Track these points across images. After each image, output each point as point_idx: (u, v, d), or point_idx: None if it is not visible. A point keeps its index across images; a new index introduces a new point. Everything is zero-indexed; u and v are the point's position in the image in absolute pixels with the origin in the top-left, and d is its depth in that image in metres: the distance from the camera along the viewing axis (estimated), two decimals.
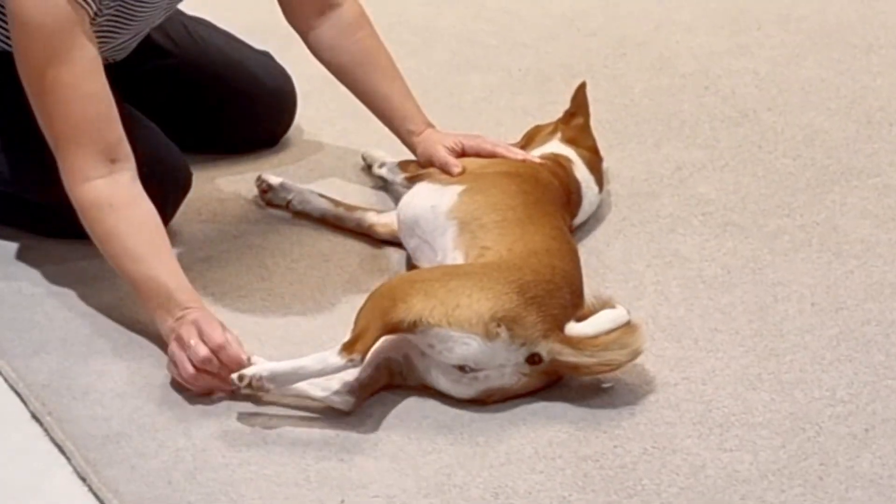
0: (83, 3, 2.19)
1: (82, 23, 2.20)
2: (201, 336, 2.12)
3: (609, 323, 2.11)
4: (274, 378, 2.08)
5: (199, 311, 2.17)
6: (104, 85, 2.23)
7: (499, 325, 2.08)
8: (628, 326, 2.11)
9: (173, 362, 2.15)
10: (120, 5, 2.32)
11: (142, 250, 2.21)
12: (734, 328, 2.32)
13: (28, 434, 2.12)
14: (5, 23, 2.29)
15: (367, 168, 2.76)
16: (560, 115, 2.67)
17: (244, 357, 2.12)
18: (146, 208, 2.24)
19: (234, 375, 2.08)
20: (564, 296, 2.15)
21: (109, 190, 2.22)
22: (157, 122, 2.53)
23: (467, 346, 2.08)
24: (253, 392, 2.12)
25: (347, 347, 2.06)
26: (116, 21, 2.36)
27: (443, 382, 2.13)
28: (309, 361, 2.08)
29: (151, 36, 2.63)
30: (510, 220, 2.26)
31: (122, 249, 2.21)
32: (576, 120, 2.64)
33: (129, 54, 2.54)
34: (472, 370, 2.11)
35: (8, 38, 2.27)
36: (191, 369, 2.12)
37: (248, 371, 2.08)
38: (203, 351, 2.11)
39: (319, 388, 2.11)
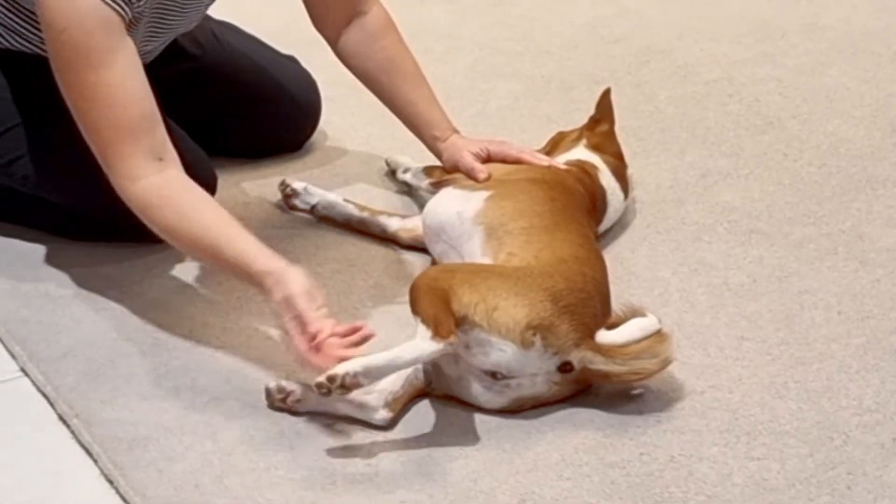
0: (118, 8, 2.18)
1: (119, 24, 2.18)
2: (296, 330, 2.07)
3: (640, 331, 2.10)
4: (368, 373, 2.00)
5: (280, 287, 2.09)
6: (146, 85, 2.21)
7: (534, 334, 2.07)
8: (659, 335, 2.11)
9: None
10: (157, 11, 2.32)
11: (214, 229, 2.17)
12: (760, 336, 2.32)
13: (55, 436, 2.12)
14: (39, 27, 2.28)
15: (392, 173, 2.76)
16: (584, 121, 2.67)
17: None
18: (202, 193, 2.21)
19: (323, 378, 1.99)
20: (595, 304, 2.15)
21: (163, 185, 2.19)
22: (181, 125, 2.52)
23: (503, 353, 2.08)
24: (344, 391, 2.01)
25: (439, 332, 2.01)
26: (153, 29, 2.36)
27: (474, 391, 2.12)
28: (402, 352, 2.02)
29: (178, 40, 2.63)
30: (537, 226, 2.25)
31: (193, 233, 2.18)
32: (601, 126, 2.64)
33: (155, 58, 2.54)
34: (505, 377, 2.10)
35: (42, 42, 2.26)
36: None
37: (339, 370, 1.99)
38: (300, 347, 2.06)
39: (358, 408, 2.10)
